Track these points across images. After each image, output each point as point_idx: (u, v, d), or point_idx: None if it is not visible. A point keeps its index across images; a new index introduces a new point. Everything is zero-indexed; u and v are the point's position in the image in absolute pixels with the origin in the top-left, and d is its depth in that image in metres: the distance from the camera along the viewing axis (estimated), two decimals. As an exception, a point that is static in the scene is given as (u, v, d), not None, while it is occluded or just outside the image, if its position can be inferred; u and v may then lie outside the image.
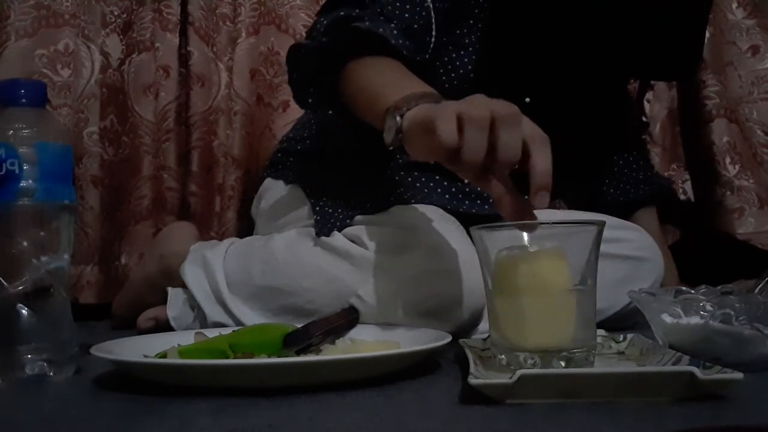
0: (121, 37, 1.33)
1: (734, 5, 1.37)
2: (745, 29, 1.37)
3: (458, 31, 0.92)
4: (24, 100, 0.63)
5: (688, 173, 1.39)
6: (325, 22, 0.85)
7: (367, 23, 0.83)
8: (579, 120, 1.00)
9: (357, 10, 0.85)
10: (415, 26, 0.88)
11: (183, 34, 1.33)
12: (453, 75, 0.92)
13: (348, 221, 0.88)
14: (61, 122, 1.21)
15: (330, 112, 0.87)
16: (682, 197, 1.36)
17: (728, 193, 1.31)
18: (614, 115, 1.10)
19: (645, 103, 1.35)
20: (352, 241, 0.85)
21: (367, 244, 0.83)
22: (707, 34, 1.33)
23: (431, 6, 0.89)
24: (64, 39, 1.25)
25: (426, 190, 0.92)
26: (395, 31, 0.84)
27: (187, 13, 1.33)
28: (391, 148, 0.70)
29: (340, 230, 0.88)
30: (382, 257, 0.81)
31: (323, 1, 0.91)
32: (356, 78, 0.82)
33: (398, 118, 0.68)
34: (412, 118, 0.67)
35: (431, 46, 0.89)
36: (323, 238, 0.87)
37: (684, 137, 1.39)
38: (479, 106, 0.60)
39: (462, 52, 0.92)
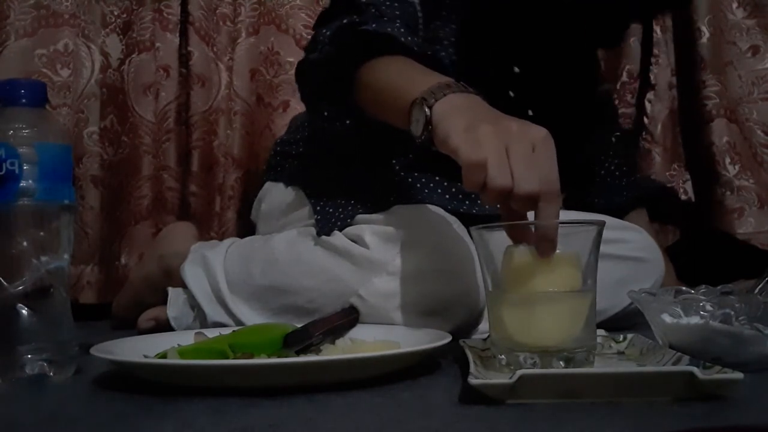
0: (121, 37, 1.32)
1: (734, 5, 1.37)
2: (745, 29, 1.37)
3: (433, 25, 0.93)
4: (24, 100, 0.63)
5: (688, 173, 1.39)
6: (328, 32, 0.85)
7: (373, 25, 0.82)
8: (562, 88, 1.00)
9: (356, 17, 0.84)
10: (407, 23, 0.88)
11: (183, 34, 1.33)
12: None
13: (348, 221, 0.88)
14: (61, 122, 1.21)
15: (348, 122, 0.86)
16: (683, 197, 1.36)
17: (728, 193, 1.31)
18: (589, 80, 1.10)
19: (646, 103, 1.35)
20: (353, 241, 0.85)
21: (367, 244, 0.83)
22: (707, 34, 1.33)
23: (417, 1, 0.90)
24: (63, 39, 1.25)
25: (426, 191, 0.92)
26: (402, 29, 0.84)
27: (187, 13, 1.33)
28: (419, 140, 0.70)
29: (340, 230, 0.88)
30: (383, 257, 0.81)
31: (323, 4, 0.91)
32: (373, 80, 0.81)
33: (427, 110, 0.68)
34: (442, 129, 0.66)
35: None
36: (324, 237, 0.87)
37: (684, 137, 1.39)
38: (506, 165, 0.59)
39: (437, 47, 0.92)
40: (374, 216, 0.87)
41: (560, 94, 1.00)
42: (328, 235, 0.87)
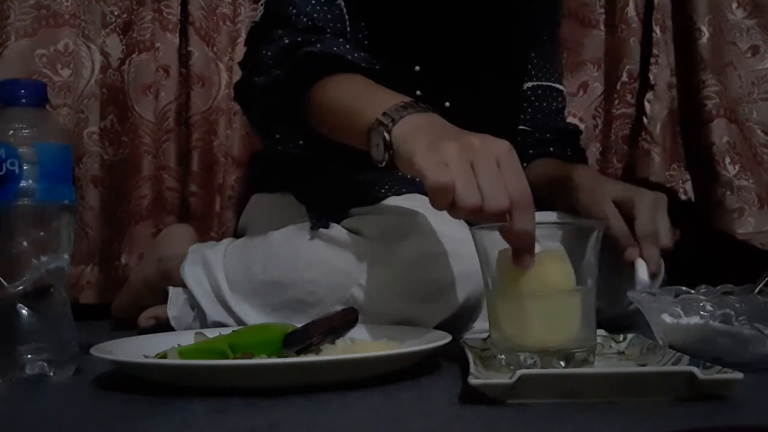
0: (121, 37, 1.32)
1: (734, 5, 1.37)
2: (745, 29, 1.37)
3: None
4: (24, 100, 0.63)
5: (688, 173, 1.39)
6: (270, 53, 0.84)
7: (318, 45, 0.82)
8: (474, 82, 1.01)
9: (298, 37, 0.83)
10: (338, 26, 0.89)
11: (183, 34, 1.33)
12: None
13: (342, 215, 0.89)
14: (61, 122, 1.21)
15: (300, 142, 0.86)
16: (683, 197, 1.35)
17: (728, 193, 1.31)
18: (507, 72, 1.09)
19: (645, 103, 1.35)
20: (352, 232, 0.85)
21: (365, 234, 0.83)
22: (707, 34, 1.33)
23: (342, 3, 0.90)
24: (64, 39, 1.25)
25: (421, 187, 0.92)
26: (347, 45, 0.83)
27: (187, 13, 1.33)
28: (381, 165, 0.68)
29: (337, 223, 0.88)
30: (381, 245, 0.82)
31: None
32: (326, 101, 0.80)
33: (386, 135, 0.67)
34: (404, 151, 0.65)
35: None
36: (322, 230, 0.87)
37: (684, 137, 1.39)
38: (473, 183, 0.59)
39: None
40: (369, 208, 0.87)
41: (473, 87, 0.98)
42: (326, 227, 0.87)
